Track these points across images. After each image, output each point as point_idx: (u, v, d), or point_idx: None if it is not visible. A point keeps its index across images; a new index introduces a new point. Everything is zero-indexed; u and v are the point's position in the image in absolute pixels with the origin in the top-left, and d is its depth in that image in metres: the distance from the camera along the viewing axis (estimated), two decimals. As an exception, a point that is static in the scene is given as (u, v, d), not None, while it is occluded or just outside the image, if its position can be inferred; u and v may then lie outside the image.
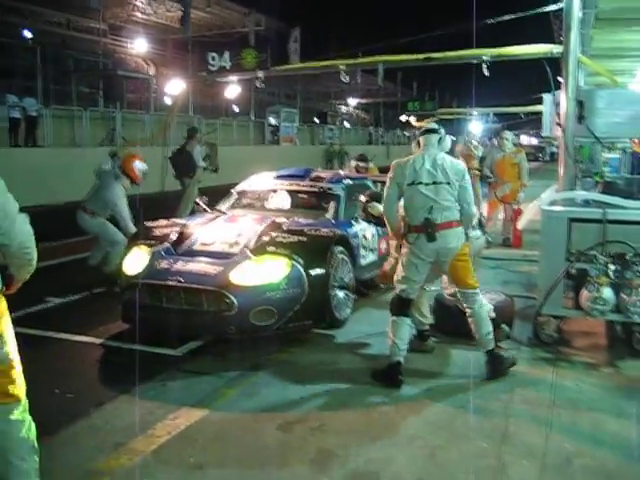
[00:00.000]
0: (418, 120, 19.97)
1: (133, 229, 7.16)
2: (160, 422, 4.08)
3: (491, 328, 4.79)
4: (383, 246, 6.89)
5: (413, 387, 4.63)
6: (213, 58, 7.71)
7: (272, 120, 30.43)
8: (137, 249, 5.87)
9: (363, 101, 43.66)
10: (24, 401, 2.95)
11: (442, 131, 4.88)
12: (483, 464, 3.56)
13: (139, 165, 7.40)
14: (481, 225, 5.32)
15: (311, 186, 7.09)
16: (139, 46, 31.25)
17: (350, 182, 7.28)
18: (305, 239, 5.70)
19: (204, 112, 26.43)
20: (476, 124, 30.14)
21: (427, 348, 5.30)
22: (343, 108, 44.05)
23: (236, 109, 32.66)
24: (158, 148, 15.32)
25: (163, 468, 3.52)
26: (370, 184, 7.67)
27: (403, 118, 23.51)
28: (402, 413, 4.21)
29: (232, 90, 10.88)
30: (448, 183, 4.66)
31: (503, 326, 5.46)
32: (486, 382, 4.69)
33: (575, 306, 5.32)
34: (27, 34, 20.42)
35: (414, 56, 6.60)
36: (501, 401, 4.38)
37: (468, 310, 4.79)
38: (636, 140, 7.92)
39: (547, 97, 6.23)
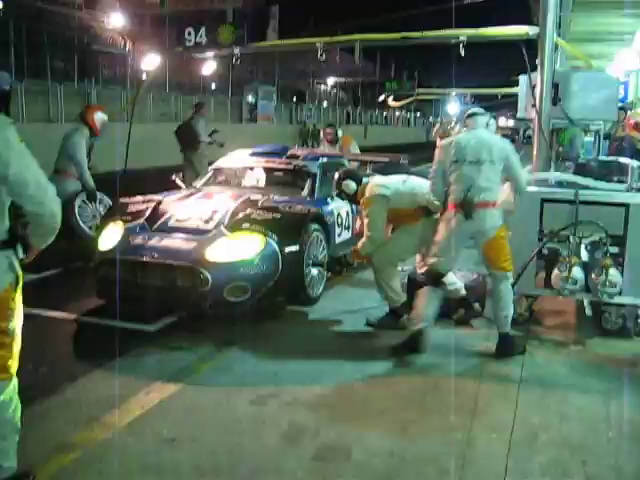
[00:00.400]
0: (395, 100, 19.94)
1: (91, 181, 7.33)
2: (134, 396, 4.09)
3: (512, 311, 4.92)
4: (358, 224, 6.88)
5: (385, 363, 4.71)
6: (189, 33, 7.64)
7: (250, 98, 30.23)
8: (112, 224, 5.84)
9: (342, 80, 43.46)
10: (15, 380, 2.96)
11: (489, 114, 5.12)
12: (452, 438, 3.63)
13: (99, 115, 7.46)
14: None
15: (287, 163, 7.10)
16: (115, 21, 30.73)
17: (326, 160, 7.30)
18: (279, 216, 5.71)
19: (181, 89, 26.15)
20: (453, 105, 30.24)
21: (399, 326, 5.36)
22: (322, 87, 43.86)
23: (213, 86, 32.37)
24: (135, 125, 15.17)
25: (136, 441, 3.54)
26: (346, 163, 7.68)
27: (381, 98, 23.47)
28: (374, 389, 4.28)
29: (209, 67, 10.83)
30: (492, 161, 4.76)
31: (475, 304, 5.55)
32: (456, 359, 4.76)
33: (546, 285, 5.42)
34: (-1, 5, 20.03)
35: (391, 35, 6.60)
36: (472, 377, 4.46)
37: (494, 290, 4.92)
38: (632, 121, 7.95)
39: (522, 79, 6.27)
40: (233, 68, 25.53)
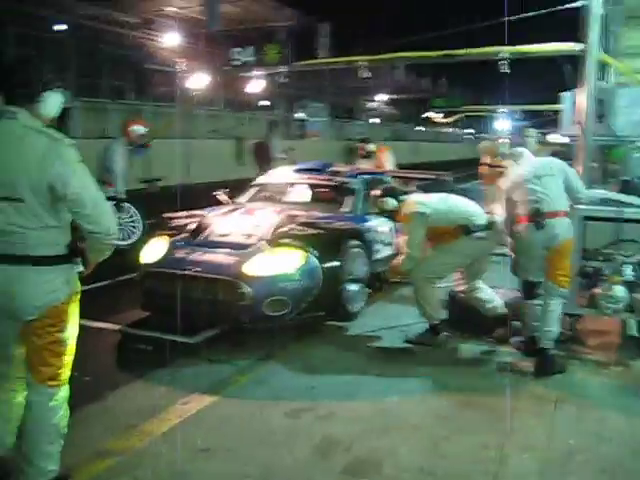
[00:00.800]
0: (445, 117, 19.87)
1: (123, 190, 7.64)
2: (172, 406, 4.19)
3: (556, 330, 4.92)
4: (400, 240, 6.90)
5: (421, 380, 4.71)
6: (237, 53, 7.84)
7: (299, 114, 30.53)
8: (156, 239, 6.00)
9: (392, 97, 43.47)
10: (66, 387, 3.11)
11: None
12: (485, 455, 3.61)
13: (135, 127, 7.75)
14: (489, 226, 5.35)
15: (328, 180, 7.16)
16: (170, 39, 31.48)
17: (367, 177, 7.34)
18: (320, 232, 5.80)
19: (233, 106, 26.58)
20: (502, 121, 29.86)
21: (438, 342, 5.35)
22: (372, 104, 43.94)
23: (265, 103, 32.82)
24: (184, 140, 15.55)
25: (171, 450, 3.63)
26: (388, 179, 7.72)
27: (425, 115, 23.40)
28: (409, 405, 4.28)
29: (255, 85, 11.11)
30: (552, 175, 4.95)
31: (514, 323, 5.49)
32: (493, 377, 4.74)
33: (589, 304, 5.33)
34: (61, 27, 20.73)
35: (433, 53, 6.63)
36: (508, 396, 4.41)
37: (544, 303, 4.95)
38: None
39: (567, 95, 6.22)
40: (282, 86, 25.84)
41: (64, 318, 3.03)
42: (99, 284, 6.69)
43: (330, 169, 7.44)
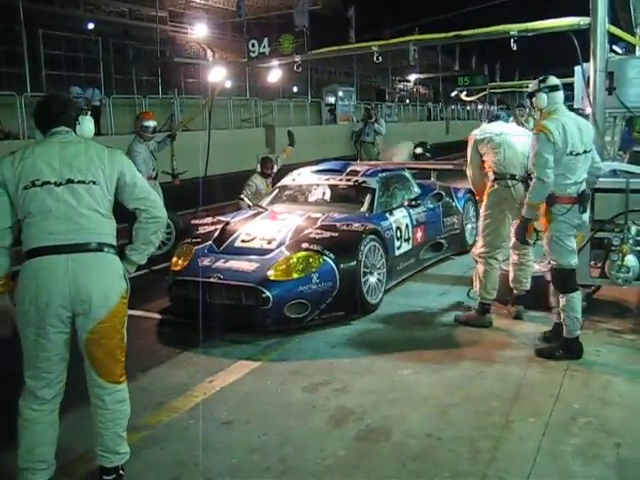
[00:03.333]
0: (468, 95, 19.76)
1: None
2: (198, 384, 4.48)
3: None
4: (419, 235, 7.15)
5: (435, 353, 4.92)
6: (253, 45, 8.05)
7: (329, 99, 30.61)
8: (183, 247, 6.28)
9: (422, 77, 43.31)
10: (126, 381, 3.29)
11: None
12: (490, 421, 3.81)
13: (141, 121, 7.90)
14: None
15: (347, 180, 7.32)
16: (198, 32, 31.88)
17: (386, 174, 7.48)
18: (337, 235, 5.97)
19: (261, 94, 26.84)
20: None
21: (485, 322, 5.48)
22: (402, 85, 43.84)
23: (295, 89, 32.99)
24: (221, 131, 15.76)
25: (196, 423, 3.90)
26: (408, 175, 7.94)
27: (453, 94, 23.23)
28: (421, 376, 4.50)
29: (274, 74, 11.30)
30: (591, 150, 4.75)
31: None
32: (506, 349, 4.92)
33: (601, 275, 5.44)
34: (90, 26, 21.22)
35: (443, 35, 6.73)
36: (519, 366, 4.60)
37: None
38: None
39: (577, 69, 6.27)
40: (313, 70, 25.95)
41: (125, 313, 3.19)
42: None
43: (349, 169, 7.58)
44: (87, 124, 3.32)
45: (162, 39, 24.74)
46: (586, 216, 4.76)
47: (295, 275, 5.59)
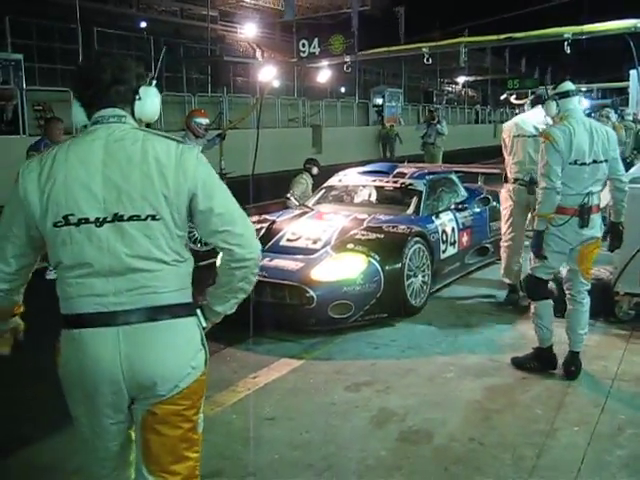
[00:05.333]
0: (518, 98, 19.45)
1: None
2: (242, 380, 4.54)
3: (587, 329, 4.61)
4: (465, 239, 7.08)
5: (480, 357, 4.88)
6: (303, 45, 8.07)
7: (376, 100, 30.53)
8: None
9: (470, 79, 42.86)
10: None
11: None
12: (535, 428, 3.77)
13: (194, 118, 7.94)
14: None
15: (394, 182, 7.28)
16: (247, 31, 32.16)
17: (433, 177, 7.43)
18: (382, 236, 5.97)
19: (309, 94, 26.94)
20: (582, 101, 28.60)
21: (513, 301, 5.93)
22: (450, 87, 43.46)
23: (342, 90, 33.00)
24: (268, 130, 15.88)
25: (239, 418, 3.96)
26: (455, 179, 7.83)
27: (502, 97, 22.84)
28: (464, 380, 4.47)
29: (324, 75, 11.32)
30: (606, 160, 4.42)
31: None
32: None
33: (651, 284, 5.33)
34: (142, 24, 21.61)
35: (495, 37, 6.67)
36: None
37: (580, 305, 4.51)
38: None
39: (632, 73, 6.16)
40: (361, 71, 25.93)
41: (202, 394, 2.21)
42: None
43: (396, 171, 7.51)
44: (151, 100, 2.21)
45: (212, 38, 24.98)
46: (590, 232, 4.38)
47: (340, 275, 5.59)
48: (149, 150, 2.05)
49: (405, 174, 7.35)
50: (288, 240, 6.19)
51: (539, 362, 4.58)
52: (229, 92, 22.43)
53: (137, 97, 2.16)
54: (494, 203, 7.72)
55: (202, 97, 20.60)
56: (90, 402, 2.09)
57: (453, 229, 6.88)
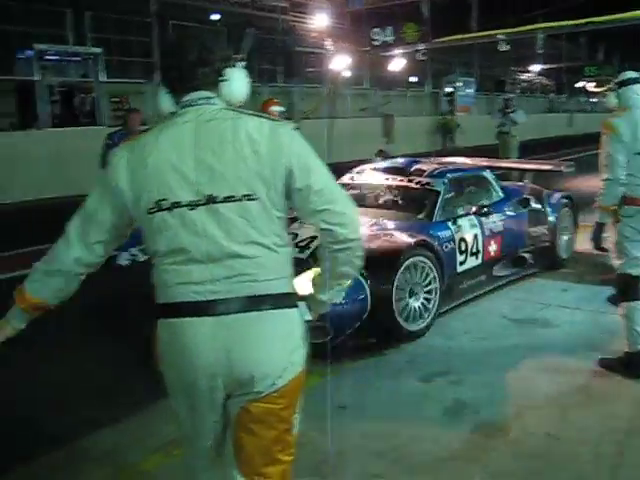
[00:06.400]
0: (597, 86, 18.85)
1: None
2: (315, 368, 4.53)
3: None
4: (492, 248, 6.16)
5: (558, 350, 4.78)
6: (376, 33, 8.01)
7: (448, 89, 30.08)
8: None
9: (545, 67, 41.62)
10: None
11: None
12: (614, 425, 3.65)
13: (273, 107, 7.94)
14: None
15: (409, 181, 6.29)
16: (319, 21, 32.10)
17: (456, 175, 6.40)
18: (375, 247, 5.02)
19: (380, 83, 26.73)
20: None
21: None
22: (523, 75, 42.32)
23: (413, 79, 32.63)
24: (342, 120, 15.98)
25: (312, 405, 3.96)
26: (489, 177, 6.78)
27: (579, 84, 22.20)
28: (540, 374, 4.37)
29: (396, 63, 11.21)
30: None
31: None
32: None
33: None
34: (215, 16, 21.87)
35: (573, 22, 6.45)
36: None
37: None
38: None
39: None
40: (429, 61, 25.60)
41: (299, 393, 2.12)
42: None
43: (414, 167, 6.51)
44: (239, 81, 2.12)
45: (283, 28, 25.10)
46: None
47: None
48: (241, 128, 1.95)
49: (424, 172, 6.34)
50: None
51: (627, 367, 4.30)
52: (300, 82, 22.51)
53: (224, 78, 2.06)
54: (536, 205, 6.83)
55: (273, 87, 20.76)
56: (188, 395, 2.03)
57: (476, 236, 5.94)
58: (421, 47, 7.27)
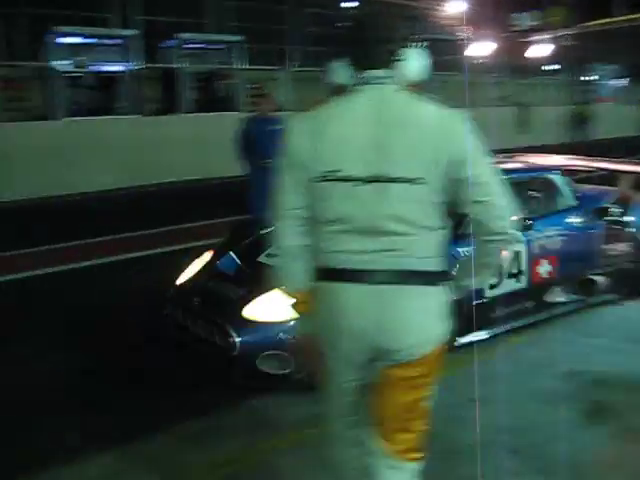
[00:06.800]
0: None
1: None
2: (448, 357, 4.45)
3: None
4: (544, 269, 5.07)
5: None
6: (517, 18, 7.67)
7: (589, 78, 28.53)
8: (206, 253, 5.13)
9: None
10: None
11: None
12: None
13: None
14: None
15: None
16: (453, 7, 31.38)
17: (505, 178, 4.91)
18: None
19: (516, 72, 25.80)
20: None
21: None
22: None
23: (551, 67, 31.26)
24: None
25: (442, 395, 3.89)
26: (557, 181, 5.53)
27: None
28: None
29: (538, 50, 10.73)
30: None
31: None
32: None
33: None
34: (348, 5, 21.92)
35: None
36: None
37: None
38: None
39: None
40: (570, 48, 24.40)
41: (438, 365, 2.18)
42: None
43: None
44: (417, 62, 2.12)
45: (417, 15, 24.75)
46: None
47: (277, 316, 3.94)
48: (416, 113, 2.02)
49: None
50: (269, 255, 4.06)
51: None
52: (435, 71, 22.13)
53: (402, 58, 2.08)
54: (616, 216, 5.49)
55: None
56: (334, 355, 2.12)
57: (518, 254, 4.91)
58: (566, 32, 6.89)
